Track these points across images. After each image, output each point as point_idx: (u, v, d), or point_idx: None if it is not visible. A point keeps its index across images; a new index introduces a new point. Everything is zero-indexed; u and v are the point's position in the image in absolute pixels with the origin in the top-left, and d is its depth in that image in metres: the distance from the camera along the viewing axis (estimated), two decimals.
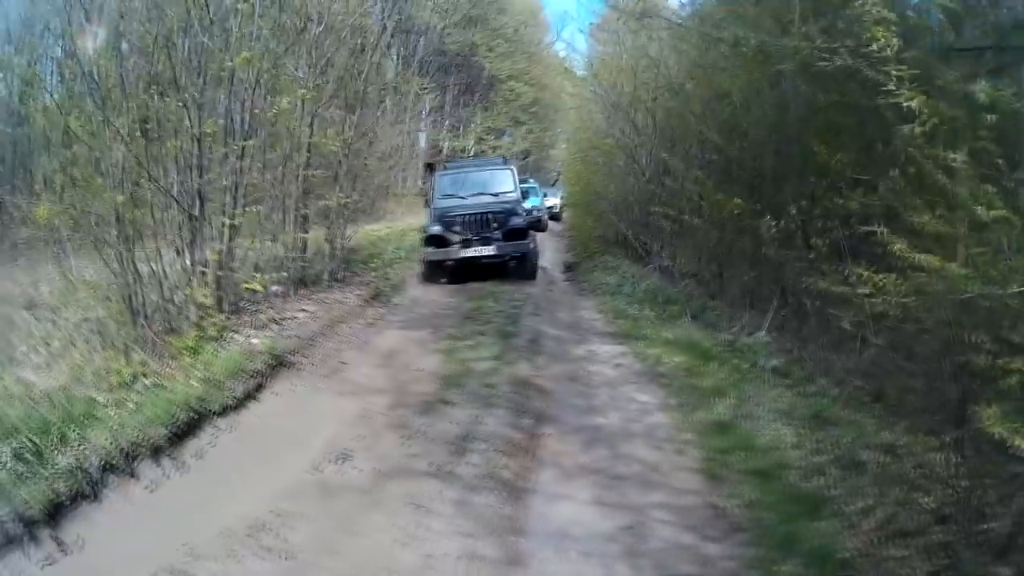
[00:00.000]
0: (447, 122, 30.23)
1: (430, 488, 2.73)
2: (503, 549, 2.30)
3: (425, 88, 25.45)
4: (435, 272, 7.84)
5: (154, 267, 4.53)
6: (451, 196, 8.30)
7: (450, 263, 7.80)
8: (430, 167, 9.47)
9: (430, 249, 7.77)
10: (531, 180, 16.76)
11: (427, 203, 8.83)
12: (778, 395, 3.76)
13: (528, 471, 2.90)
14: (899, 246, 2.31)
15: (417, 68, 27.39)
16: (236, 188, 5.05)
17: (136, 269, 4.36)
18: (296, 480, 2.93)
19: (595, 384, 4.09)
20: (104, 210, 4.22)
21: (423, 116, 29.50)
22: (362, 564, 2.27)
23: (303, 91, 5.72)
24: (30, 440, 2.80)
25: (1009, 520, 2.03)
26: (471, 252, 7.63)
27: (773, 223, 4.17)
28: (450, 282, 7.76)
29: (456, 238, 7.69)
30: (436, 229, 7.79)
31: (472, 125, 30.06)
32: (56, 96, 6.27)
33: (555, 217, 18.96)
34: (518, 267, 7.85)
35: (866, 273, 2.56)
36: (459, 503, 2.61)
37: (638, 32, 7.42)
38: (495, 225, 7.70)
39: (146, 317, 4.39)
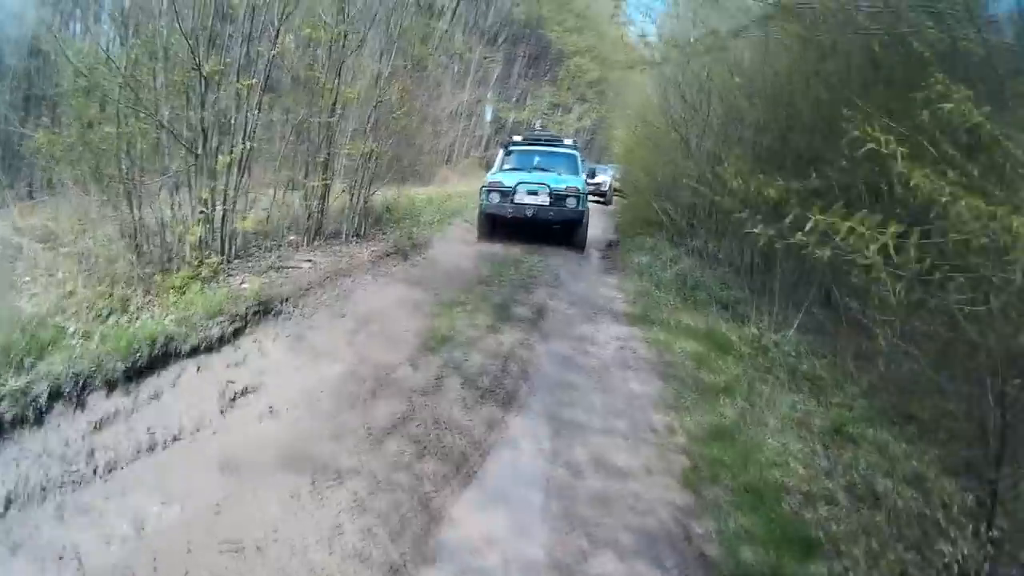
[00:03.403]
0: (514, 96, 29.54)
1: (303, 482, 2.40)
2: None
3: (488, 58, 24.87)
4: None
5: (153, 204, 4.45)
6: None
7: None
8: None
9: None
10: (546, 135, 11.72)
11: None
12: (797, 401, 3.25)
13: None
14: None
15: (484, 35, 26.88)
16: (244, 127, 4.87)
17: (131, 203, 4.28)
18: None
19: (588, 369, 3.66)
20: (105, 143, 4.14)
21: (489, 85, 28.90)
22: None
23: (322, 33, 5.45)
24: None
25: None
26: None
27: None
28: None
29: None
30: None
31: (531, 99, 29.29)
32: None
33: (603, 198, 17.64)
34: None
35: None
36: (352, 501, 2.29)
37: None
38: None
39: (139, 253, 4.32)
